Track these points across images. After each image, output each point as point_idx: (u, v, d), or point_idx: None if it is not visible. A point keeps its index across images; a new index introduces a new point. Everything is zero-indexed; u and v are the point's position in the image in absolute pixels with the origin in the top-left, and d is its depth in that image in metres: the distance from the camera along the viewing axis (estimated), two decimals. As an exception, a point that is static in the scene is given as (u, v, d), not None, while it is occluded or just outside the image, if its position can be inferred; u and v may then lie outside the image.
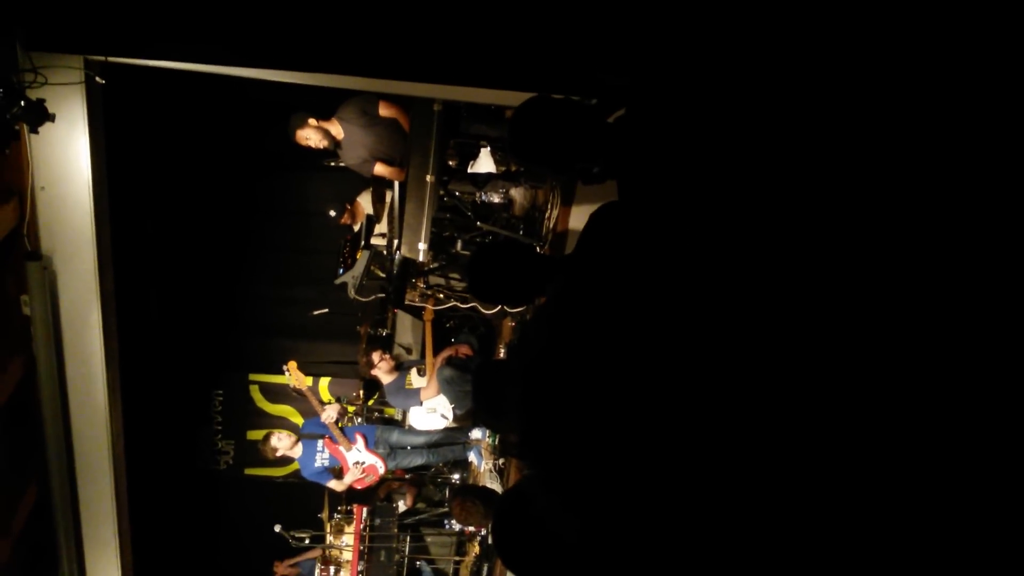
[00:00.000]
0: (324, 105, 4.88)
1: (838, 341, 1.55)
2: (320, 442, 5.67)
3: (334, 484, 5.76)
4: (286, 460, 5.82)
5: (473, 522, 4.14)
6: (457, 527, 5.73)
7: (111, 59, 3.64)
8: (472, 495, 4.16)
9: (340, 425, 5.75)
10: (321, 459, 5.67)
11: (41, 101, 3.47)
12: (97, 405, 4.46)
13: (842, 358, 1.54)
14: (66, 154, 3.89)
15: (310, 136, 4.81)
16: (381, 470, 5.73)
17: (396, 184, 4.93)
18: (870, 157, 1.64)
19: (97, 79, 3.75)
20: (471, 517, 4.06)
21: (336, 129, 4.86)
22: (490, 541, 5.14)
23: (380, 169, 4.96)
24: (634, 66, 2.48)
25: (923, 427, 1.46)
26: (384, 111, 4.82)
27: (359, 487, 5.80)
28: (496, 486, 5.10)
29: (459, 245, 5.16)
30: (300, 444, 5.64)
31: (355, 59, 3.27)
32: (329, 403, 6.05)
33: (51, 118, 3.54)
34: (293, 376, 5.78)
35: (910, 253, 1.54)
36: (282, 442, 5.54)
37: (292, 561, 6.10)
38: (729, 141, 1.77)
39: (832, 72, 1.72)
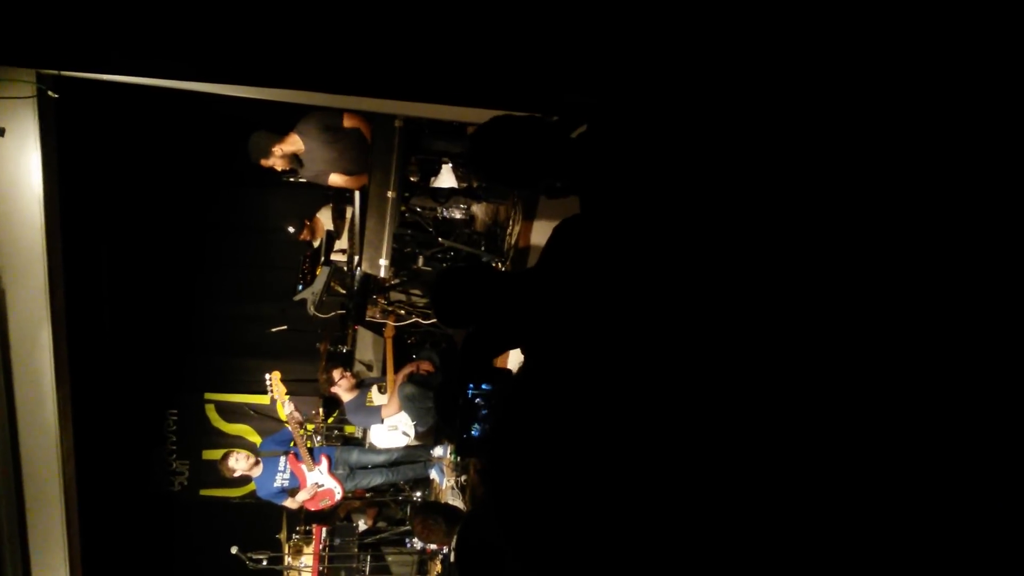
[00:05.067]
0: (285, 118, 4.84)
1: (807, 357, 1.57)
2: (283, 460, 5.56)
3: (288, 502, 5.64)
4: (243, 480, 5.69)
5: (435, 540, 4.11)
6: (419, 545, 5.67)
7: (64, 73, 3.58)
8: (434, 512, 4.12)
9: (309, 445, 5.65)
10: (281, 479, 5.55)
11: (-9, 115, 3.40)
12: (47, 426, 4.35)
13: (814, 372, 1.57)
14: (16, 169, 3.81)
15: (275, 164, 4.85)
16: (338, 496, 5.64)
17: (357, 199, 4.90)
18: (827, 170, 1.69)
19: (50, 93, 3.68)
20: (433, 535, 4.03)
21: (297, 145, 4.82)
22: (452, 559, 5.10)
23: (336, 179, 4.92)
24: (599, 85, 2.51)
25: (918, 427, 1.47)
26: (348, 122, 4.79)
27: (311, 508, 5.69)
28: (458, 503, 5.07)
29: (420, 261, 5.15)
30: (261, 464, 5.51)
31: (317, 74, 3.25)
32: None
33: (1, 133, 3.47)
34: (275, 387, 5.64)
35: (875, 254, 1.58)
36: (239, 463, 5.41)
37: None
38: (692, 155, 1.80)
39: (786, 95, 1.77)
